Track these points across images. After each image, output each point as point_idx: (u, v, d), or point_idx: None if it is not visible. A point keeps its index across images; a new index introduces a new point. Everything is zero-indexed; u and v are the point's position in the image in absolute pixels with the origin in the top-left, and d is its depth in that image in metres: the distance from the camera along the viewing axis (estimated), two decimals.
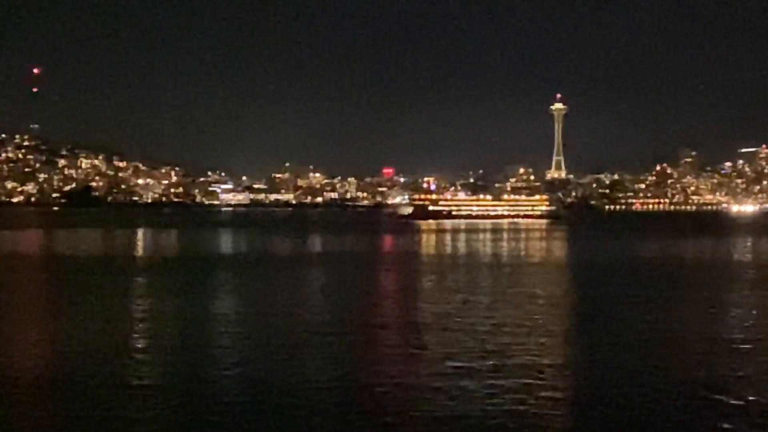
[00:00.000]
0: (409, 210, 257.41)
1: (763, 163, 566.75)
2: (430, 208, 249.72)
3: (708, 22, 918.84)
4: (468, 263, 74.08)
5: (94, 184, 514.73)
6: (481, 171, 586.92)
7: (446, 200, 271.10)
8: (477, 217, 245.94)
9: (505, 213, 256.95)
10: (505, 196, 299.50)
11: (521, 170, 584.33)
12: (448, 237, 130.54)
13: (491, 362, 27.02)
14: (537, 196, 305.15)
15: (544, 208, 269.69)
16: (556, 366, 26.64)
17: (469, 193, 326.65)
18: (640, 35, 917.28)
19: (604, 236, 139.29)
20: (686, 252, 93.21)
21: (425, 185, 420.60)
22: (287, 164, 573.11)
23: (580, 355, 29.07)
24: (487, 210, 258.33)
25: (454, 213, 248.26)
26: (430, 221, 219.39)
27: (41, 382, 24.47)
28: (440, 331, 33.14)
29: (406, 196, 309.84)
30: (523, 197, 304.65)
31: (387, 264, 72.94)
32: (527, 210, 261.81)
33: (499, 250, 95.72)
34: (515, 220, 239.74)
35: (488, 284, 52.87)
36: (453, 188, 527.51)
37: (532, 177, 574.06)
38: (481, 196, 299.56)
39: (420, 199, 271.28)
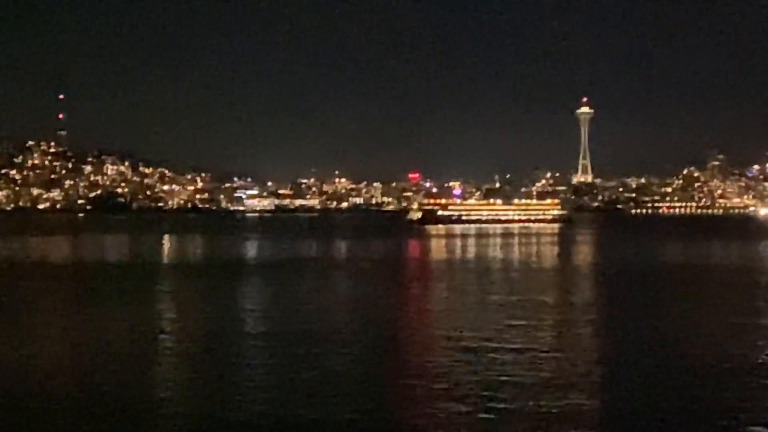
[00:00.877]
0: (418, 215, 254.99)
1: None
2: (439, 212, 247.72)
3: (735, 24, 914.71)
4: (467, 268, 73.32)
5: (119, 190, 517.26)
6: (508, 175, 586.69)
7: (455, 205, 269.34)
8: (487, 221, 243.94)
9: (516, 217, 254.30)
10: (516, 200, 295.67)
11: (548, 174, 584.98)
12: (453, 242, 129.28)
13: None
14: (548, 200, 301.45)
15: (555, 212, 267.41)
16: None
17: (480, 196, 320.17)
18: (667, 38, 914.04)
19: (618, 240, 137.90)
20: (699, 256, 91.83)
21: (432, 189, 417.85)
22: (313, 170, 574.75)
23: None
24: (497, 214, 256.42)
25: (463, 218, 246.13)
26: (439, 226, 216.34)
27: (68, 392, 24.18)
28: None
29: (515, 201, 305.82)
30: (534, 201, 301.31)
31: (382, 271, 71.81)
32: (538, 214, 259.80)
33: (503, 254, 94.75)
34: (526, 224, 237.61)
35: (478, 290, 51.93)
36: (478, 193, 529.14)
37: (547, 181, 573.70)
38: (491, 201, 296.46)
39: (429, 204, 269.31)
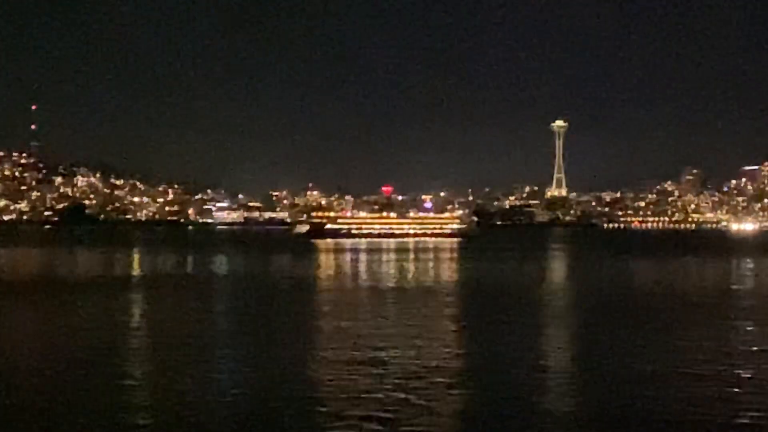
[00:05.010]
0: (305, 228, 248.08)
1: (766, 181, 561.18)
2: (328, 226, 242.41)
3: (711, 39, 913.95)
4: (332, 288, 69.65)
5: (87, 202, 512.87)
6: (487, 189, 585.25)
7: (346, 218, 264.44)
8: (380, 236, 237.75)
9: (412, 231, 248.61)
10: (412, 214, 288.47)
11: (526, 188, 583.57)
12: (331, 258, 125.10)
13: None
14: (447, 214, 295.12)
15: (454, 226, 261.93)
16: None
17: (374, 209, 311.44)
18: (642, 52, 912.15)
19: (529, 256, 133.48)
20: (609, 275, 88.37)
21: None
22: (286, 182, 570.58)
23: None
24: (391, 228, 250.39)
25: (354, 231, 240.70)
26: (328, 240, 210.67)
27: None
28: None
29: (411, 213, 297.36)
30: (431, 215, 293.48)
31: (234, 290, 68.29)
32: (435, 228, 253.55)
33: (380, 272, 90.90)
34: (422, 238, 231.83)
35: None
36: (451, 206, 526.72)
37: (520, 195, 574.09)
38: (385, 214, 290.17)
39: (317, 217, 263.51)
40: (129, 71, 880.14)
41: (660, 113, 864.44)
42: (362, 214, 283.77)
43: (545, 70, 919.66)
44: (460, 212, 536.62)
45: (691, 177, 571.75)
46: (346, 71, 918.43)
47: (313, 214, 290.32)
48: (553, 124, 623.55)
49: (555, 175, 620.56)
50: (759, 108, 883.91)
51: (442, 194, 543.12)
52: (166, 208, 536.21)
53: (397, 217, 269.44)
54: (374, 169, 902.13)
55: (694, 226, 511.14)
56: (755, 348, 35.16)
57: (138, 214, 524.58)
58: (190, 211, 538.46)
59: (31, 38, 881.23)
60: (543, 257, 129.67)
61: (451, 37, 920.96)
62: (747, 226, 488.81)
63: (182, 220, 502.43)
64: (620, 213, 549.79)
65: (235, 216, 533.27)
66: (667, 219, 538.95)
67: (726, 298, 59.70)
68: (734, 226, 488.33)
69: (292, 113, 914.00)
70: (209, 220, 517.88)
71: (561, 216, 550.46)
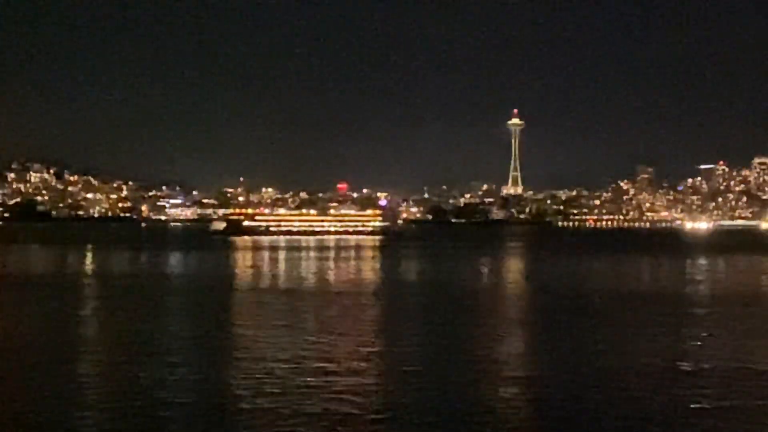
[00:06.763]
0: (222, 225, 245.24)
1: (720, 180, 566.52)
2: (245, 223, 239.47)
3: (666, 38, 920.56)
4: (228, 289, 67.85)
5: (39, 198, 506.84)
6: (444, 187, 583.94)
7: (264, 215, 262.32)
8: (300, 233, 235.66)
9: (332, 229, 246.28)
10: (333, 211, 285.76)
11: (484, 186, 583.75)
12: (245, 256, 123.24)
13: None
14: (369, 211, 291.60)
15: (376, 223, 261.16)
16: None
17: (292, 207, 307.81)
18: (598, 50, 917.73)
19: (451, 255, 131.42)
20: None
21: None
22: (241, 179, 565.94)
23: None
24: (311, 226, 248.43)
25: (272, 229, 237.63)
26: (246, 238, 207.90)
27: None
28: None
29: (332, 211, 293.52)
30: (353, 212, 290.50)
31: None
32: (357, 226, 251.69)
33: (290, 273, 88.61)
34: (343, 236, 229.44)
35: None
36: (406, 204, 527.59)
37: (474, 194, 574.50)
38: (305, 211, 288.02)
39: (234, 214, 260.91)
40: (82, 66, 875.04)
41: (615, 112, 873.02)
42: (281, 211, 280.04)
43: (502, 69, 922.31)
44: (414, 209, 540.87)
45: (646, 175, 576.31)
46: (304, 66, 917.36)
47: (230, 210, 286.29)
48: (509, 123, 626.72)
49: (511, 173, 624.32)
50: (714, 107, 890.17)
51: (398, 191, 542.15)
52: (120, 205, 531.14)
53: (317, 215, 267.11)
54: (329, 167, 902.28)
55: (648, 224, 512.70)
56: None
57: (91, 210, 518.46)
58: (144, 207, 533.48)
59: None
60: (474, 256, 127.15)
61: (408, 34, 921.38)
62: (701, 225, 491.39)
63: (135, 217, 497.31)
64: (575, 211, 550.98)
65: (189, 213, 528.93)
66: (621, 217, 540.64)
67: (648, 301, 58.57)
68: (688, 225, 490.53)
69: (248, 110, 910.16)
70: (163, 217, 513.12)
71: (516, 214, 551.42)
